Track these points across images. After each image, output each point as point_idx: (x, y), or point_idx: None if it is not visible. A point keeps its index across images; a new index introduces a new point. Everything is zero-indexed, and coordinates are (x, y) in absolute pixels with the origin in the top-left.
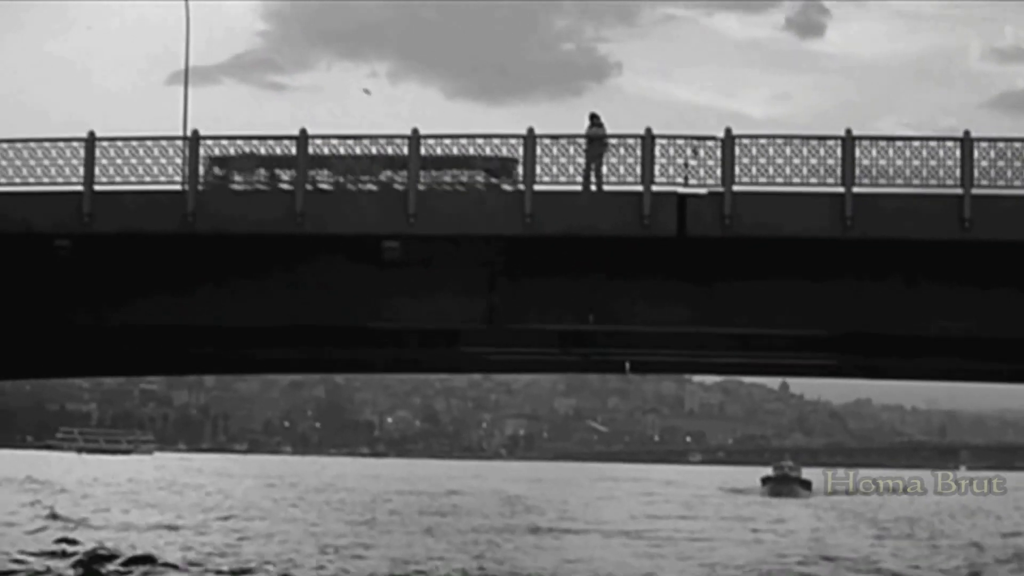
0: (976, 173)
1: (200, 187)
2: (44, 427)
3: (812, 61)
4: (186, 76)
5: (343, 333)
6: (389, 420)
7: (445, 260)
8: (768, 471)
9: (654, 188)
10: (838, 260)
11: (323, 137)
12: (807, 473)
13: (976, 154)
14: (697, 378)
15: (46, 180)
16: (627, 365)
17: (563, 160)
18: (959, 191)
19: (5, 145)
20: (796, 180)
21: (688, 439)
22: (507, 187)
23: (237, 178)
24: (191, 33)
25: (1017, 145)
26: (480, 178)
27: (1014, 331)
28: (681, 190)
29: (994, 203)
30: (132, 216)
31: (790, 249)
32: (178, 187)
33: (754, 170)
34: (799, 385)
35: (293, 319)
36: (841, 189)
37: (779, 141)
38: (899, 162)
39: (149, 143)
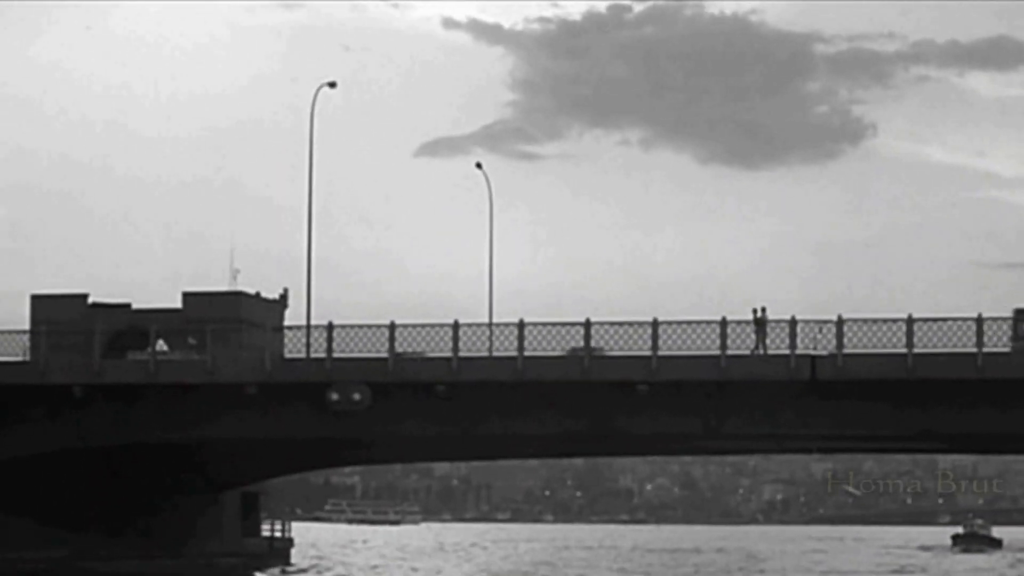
0: None
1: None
2: (310, 500)
3: None
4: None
5: (613, 436)
6: (648, 487)
7: (677, 394)
8: (959, 529)
9: (796, 352)
10: (907, 391)
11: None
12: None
13: None
14: None
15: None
16: (813, 450)
17: (743, 337)
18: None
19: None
20: (880, 346)
21: (940, 501)
22: None
23: None
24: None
25: None
26: None
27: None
28: (812, 353)
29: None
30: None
31: (876, 385)
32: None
33: (856, 340)
34: None
35: (594, 426)
36: (905, 350)
37: (869, 323)
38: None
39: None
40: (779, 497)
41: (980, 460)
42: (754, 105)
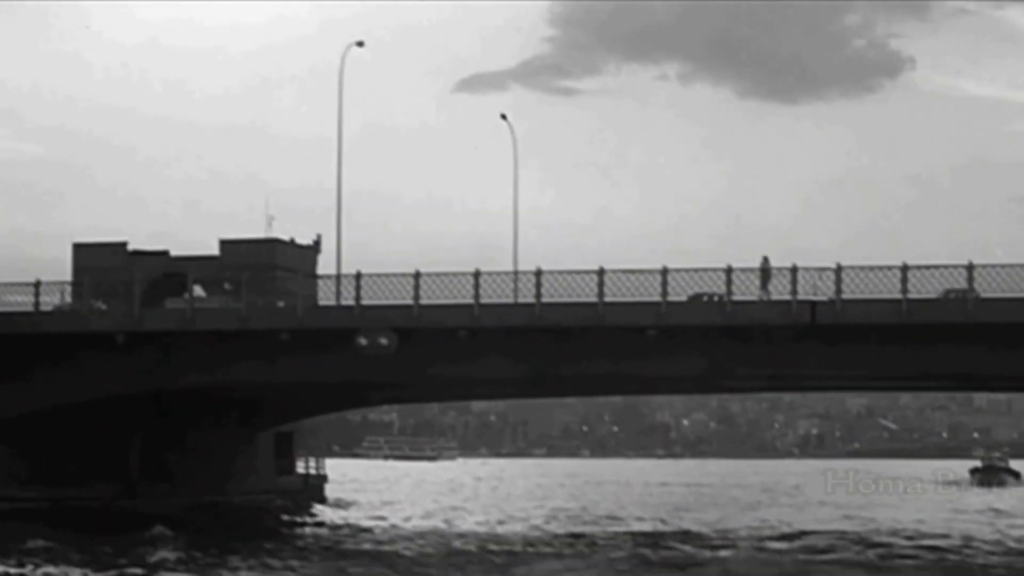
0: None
1: None
2: (349, 436)
3: None
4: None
5: (625, 377)
6: (685, 422)
7: (685, 338)
8: (977, 463)
9: (798, 298)
10: (901, 334)
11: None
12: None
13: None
14: None
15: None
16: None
17: (747, 283)
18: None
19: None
20: (876, 292)
21: (975, 435)
22: None
23: None
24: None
25: None
26: None
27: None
28: (812, 298)
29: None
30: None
31: (873, 329)
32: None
33: (853, 286)
34: None
35: (607, 368)
36: (900, 295)
37: (866, 270)
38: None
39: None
40: (814, 432)
41: (1015, 396)
42: (792, 39)
